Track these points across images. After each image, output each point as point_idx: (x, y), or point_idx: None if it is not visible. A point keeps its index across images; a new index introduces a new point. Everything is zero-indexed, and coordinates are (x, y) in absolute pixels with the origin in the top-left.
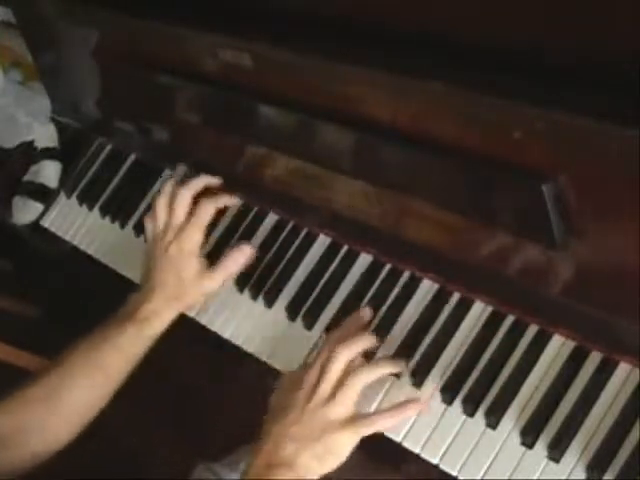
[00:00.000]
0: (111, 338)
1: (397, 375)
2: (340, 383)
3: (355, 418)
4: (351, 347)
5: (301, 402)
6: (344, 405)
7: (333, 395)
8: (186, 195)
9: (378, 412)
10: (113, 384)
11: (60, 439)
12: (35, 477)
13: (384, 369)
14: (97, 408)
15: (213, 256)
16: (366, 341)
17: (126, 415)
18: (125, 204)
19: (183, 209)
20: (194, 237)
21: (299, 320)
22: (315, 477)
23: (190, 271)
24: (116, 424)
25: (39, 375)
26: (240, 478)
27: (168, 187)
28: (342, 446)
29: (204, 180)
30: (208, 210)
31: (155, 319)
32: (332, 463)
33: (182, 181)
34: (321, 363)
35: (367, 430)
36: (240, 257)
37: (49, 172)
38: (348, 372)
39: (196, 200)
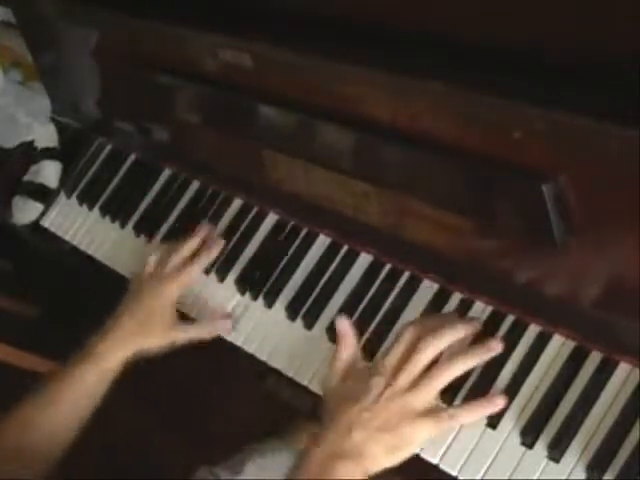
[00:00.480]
0: (71, 378)
1: None
2: (426, 372)
3: (437, 409)
4: (445, 336)
5: (377, 389)
6: (428, 395)
7: (416, 384)
8: (179, 256)
9: (462, 405)
10: (77, 420)
11: (41, 461)
12: None
13: (479, 360)
14: (64, 442)
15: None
16: (462, 330)
17: (127, 416)
18: (125, 204)
19: (172, 265)
20: (175, 288)
21: (299, 320)
22: (383, 468)
23: (158, 317)
24: (117, 425)
25: (15, 408)
26: (294, 468)
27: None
28: (418, 438)
29: (197, 243)
30: (194, 272)
31: (111, 355)
32: (402, 456)
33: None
34: (404, 350)
35: (449, 423)
36: (222, 325)
37: (49, 172)
38: (437, 365)
39: None
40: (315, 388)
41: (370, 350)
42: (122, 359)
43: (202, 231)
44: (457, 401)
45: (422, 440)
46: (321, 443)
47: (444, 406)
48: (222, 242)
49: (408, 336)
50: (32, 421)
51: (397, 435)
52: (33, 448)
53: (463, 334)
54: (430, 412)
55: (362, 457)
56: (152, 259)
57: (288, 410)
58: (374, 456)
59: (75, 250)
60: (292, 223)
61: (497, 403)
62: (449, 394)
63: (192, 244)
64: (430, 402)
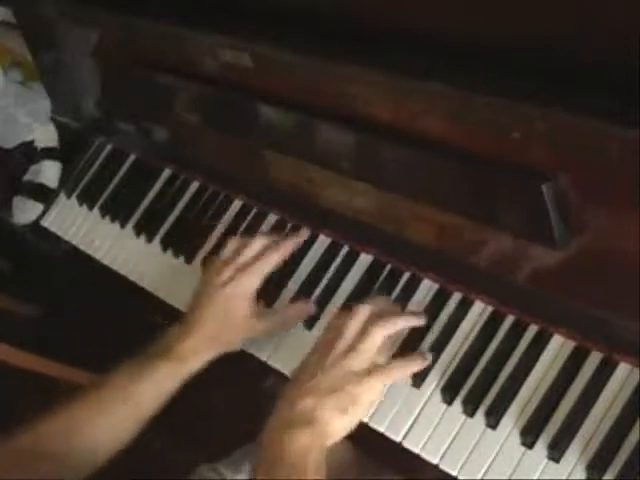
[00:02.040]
0: (147, 374)
1: None
2: (359, 336)
3: (376, 367)
4: (372, 307)
5: (317, 359)
6: (365, 354)
7: (352, 347)
8: (260, 242)
9: (396, 360)
10: (141, 419)
11: (99, 460)
12: None
13: (406, 322)
14: (122, 441)
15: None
16: (406, 320)
17: None
18: (125, 204)
19: (252, 252)
20: (252, 281)
21: None
22: (340, 434)
23: (238, 313)
24: None
25: (80, 397)
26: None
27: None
28: (364, 396)
29: (291, 243)
30: (273, 260)
31: (193, 359)
32: (355, 416)
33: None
34: (337, 324)
35: (388, 377)
36: (295, 313)
37: (49, 172)
38: (366, 327)
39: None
40: None
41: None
42: (206, 361)
43: (275, 234)
44: (457, 401)
45: (369, 399)
46: (275, 417)
47: (383, 364)
48: (305, 233)
49: (340, 314)
50: (96, 418)
51: (344, 396)
52: (82, 451)
53: (411, 325)
54: (370, 371)
55: (314, 423)
56: (227, 250)
57: None
58: (326, 420)
59: (75, 250)
60: (292, 223)
61: (425, 358)
62: (450, 393)
63: (264, 239)
64: (368, 361)
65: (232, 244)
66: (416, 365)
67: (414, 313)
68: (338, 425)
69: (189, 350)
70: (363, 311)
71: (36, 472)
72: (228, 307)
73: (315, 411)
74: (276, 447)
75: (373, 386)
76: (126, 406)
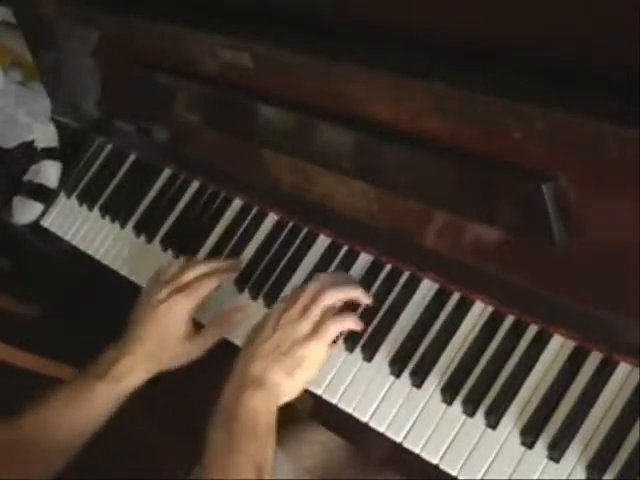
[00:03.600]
0: (81, 395)
1: (397, 375)
2: (309, 303)
3: (316, 328)
4: (323, 281)
5: (271, 323)
6: (310, 320)
7: (302, 313)
8: (198, 269)
9: (332, 319)
10: (78, 439)
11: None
12: None
13: (350, 292)
14: (59, 461)
15: (213, 257)
16: (354, 292)
17: (126, 416)
18: (125, 204)
19: (188, 276)
20: (188, 302)
21: None
22: (289, 394)
23: (173, 334)
24: (116, 424)
25: (14, 423)
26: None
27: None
28: (311, 356)
29: (223, 265)
30: (210, 285)
31: (128, 378)
32: (303, 376)
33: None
34: (294, 293)
35: (327, 335)
36: (229, 321)
37: (49, 172)
38: (316, 296)
39: None
40: (313, 388)
41: (370, 350)
42: (141, 381)
43: (231, 261)
44: (457, 400)
45: (316, 358)
46: (230, 380)
47: (328, 326)
48: (240, 263)
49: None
50: (46, 423)
51: (292, 357)
52: (43, 451)
53: (355, 297)
54: (315, 332)
55: (265, 384)
56: (170, 270)
57: (287, 410)
58: (276, 381)
59: (75, 250)
60: (292, 223)
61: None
62: (450, 393)
63: (214, 265)
64: (312, 325)
65: (174, 266)
66: (351, 322)
67: (358, 286)
68: (287, 386)
69: (124, 369)
70: (314, 284)
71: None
72: (162, 327)
73: (265, 374)
74: (231, 406)
75: (317, 347)
76: (61, 430)
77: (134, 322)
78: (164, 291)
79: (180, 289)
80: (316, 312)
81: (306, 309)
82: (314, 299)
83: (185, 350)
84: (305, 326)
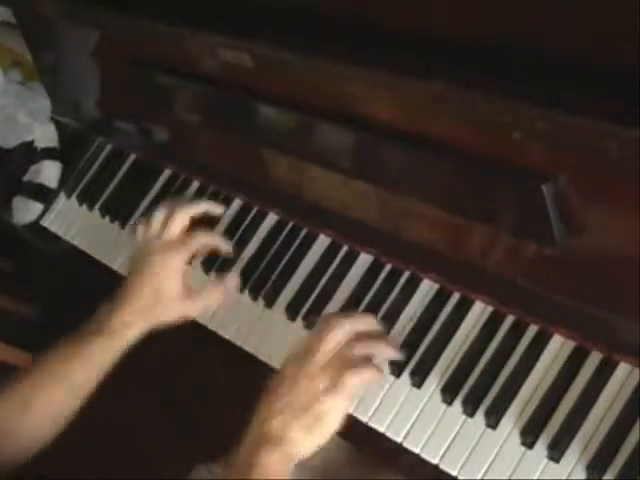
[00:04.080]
0: (79, 350)
1: (397, 375)
2: (335, 353)
3: (337, 384)
4: (351, 322)
5: (291, 376)
6: (329, 374)
7: (326, 365)
8: (184, 215)
9: (350, 371)
10: (80, 395)
11: (34, 443)
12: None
13: (381, 351)
14: (68, 415)
15: (212, 257)
16: (366, 321)
17: (126, 415)
18: (125, 204)
19: (178, 227)
20: (181, 256)
21: (299, 320)
22: (307, 451)
23: (170, 289)
24: (116, 424)
25: (9, 384)
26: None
27: (169, 204)
28: (331, 413)
29: (205, 206)
30: (201, 240)
31: (125, 331)
32: (322, 433)
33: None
34: (315, 336)
35: (350, 390)
36: (223, 289)
37: (49, 172)
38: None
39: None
40: None
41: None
42: (138, 334)
43: (206, 203)
44: (457, 400)
45: (334, 417)
46: (248, 434)
47: (349, 381)
48: (221, 208)
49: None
50: (33, 400)
51: (311, 415)
52: (29, 429)
53: (373, 322)
54: (334, 386)
55: (283, 441)
56: (155, 222)
57: None
58: (294, 438)
59: (75, 250)
60: (292, 223)
61: (380, 370)
62: (450, 393)
63: (195, 208)
64: (334, 377)
65: (158, 218)
66: (370, 374)
67: (393, 344)
68: (305, 444)
69: (119, 323)
70: (342, 327)
71: None
72: (156, 282)
73: (284, 431)
74: (246, 461)
75: (337, 402)
76: (61, 385)
77: (128, 279)
78: (154, 248)
79: (170, 244)
80: (337, 364)
81: (335, 383)
82: (344, 375)
83: (180, 307)
84: (325, 379)
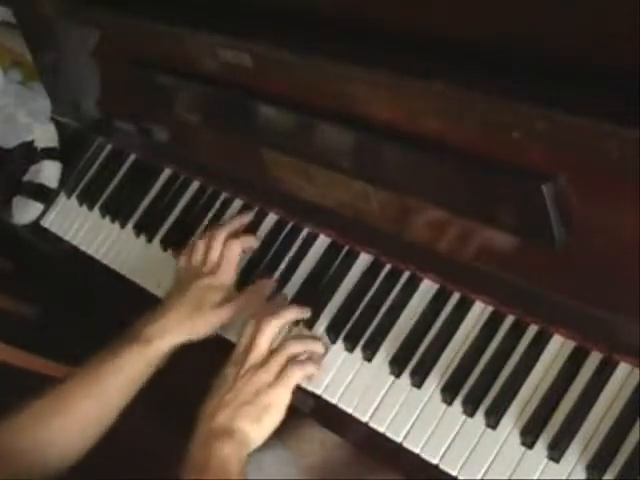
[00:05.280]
0: (112, 360)
1: (397, 375)
2: (269, 353)
3: (279, 375)
4: (278, 318)
5: (232, 374)
6: (271, 367)
7: (263, 363)
8: (222, 236)
9: (294, 363)
10: (112, 408)
11: (71, 454)
12: None
13: (309, 345)
14: (94, 433)
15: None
16: (292, 312)
17: (127, 416)
18: (125, 204)
19: (218, 249)
20: (228, 274)
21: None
22: (257, 441)
23: (213, 301)
24: (116, 425)
25: (47, 391)
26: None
27: (208, 231)
28: (275, 403)
29: (239, 222)
30: (237, 252)
31: (160, 340)
32: (269, 422)
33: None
34: (249, 337)
35: (290, 381)
36: (258, 291)
37: (49, 172)
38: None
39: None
40: (313, 388)
41: (370, 350)
42: (173, 345)
43: (243, 216)
44: (458, 400)
45: (281, 403)
46: (198, 430)
47: (289, 372)
48: (249, 216)
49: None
50: (66, 413)
51: (257, 405)
52: (62, 441)
53: (299, 311)
54: (278, 379)
55: (232, 433)
56: (199, 248)
57: (287, 410)
58: (243, 428)
59: (75, 250)
60: (292, 223)
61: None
62: (450, 393)
63: (231, 227)
64: (276, 373)
65: (201, 246)
66: (312, 368)
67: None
68: (255, 434)
69: (156, 332)
70: (272, 326)
71: (2, 470)
72: (203, 296)
73: (231, 422)
74: (201, 457)
75: (280, 394)
76: (93, 396)
77: (171, 293)
78: (199, 273)
79: (215, 266)
80: (277, 360)
81: (270, 357)
82: (279, 350)
83: (216, 317)
84: (267, 373)
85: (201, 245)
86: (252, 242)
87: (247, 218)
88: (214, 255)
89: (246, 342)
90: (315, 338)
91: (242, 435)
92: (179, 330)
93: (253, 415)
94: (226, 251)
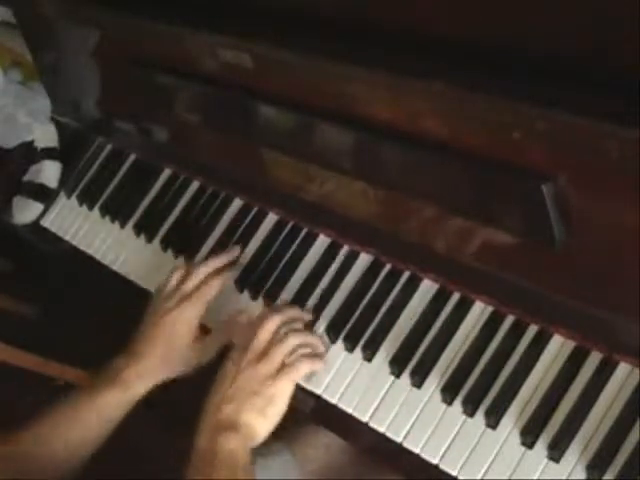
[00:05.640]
0: (92, 402)
1: (397, 375)
2: (270, 343)
3: (283, 367)
4: (281, 312)
5: (234, 367)
6: (273, 360)
7: (264, 353)
8: (203, 270)
9: (299, 360)
10: (89, 446)
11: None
12: None
13: (308, 339)
14: (83, 456)
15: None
16: (293, 311)
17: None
18: (125, 204)
19: (193, 282)
20: (195, 308)
21: None
22: (263, 432)
23: (183, 341)
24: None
25: (30, 424)
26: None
27: (186, 263)
28: (280, 394)
29: (223, 260)
30: (215, 287)
31: (139, 383)
32: (274, 414)
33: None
34: (253, 331)
35: (297, 374)
36: (233, 327)
37: (49, 172)
38: (277, 334)
39: None
40: (313, 388)
41: (370, 350)
42: (149, 387)
43: (230, 252)
44: (458, 400)
45: (283, 398)
46: (203, 424)
47: (290, 363)
48: (237, 251)
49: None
50: (48, 437)
51: (261, 397)
52: (42, 464)
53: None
54: (281, 371)
55: (238, 426)
56: (174, 277)
57: (290, 414)
58: (248, 423)
59: (75, 250)
60: (292, 223)
61: (323, 356)
62: (450, 393)
63: (215, 263)
64: (279, 364)
65: (177, 273)
66: (318, 363)
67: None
68: (259, 426)
69: (133, 376)
70: (274, 320)
71: None
72: (171, 334)
73: (237, 415)
74: (207, 450)
75: (284, 386)
76: (72, 435)
77: (143, 331)
78: (171, 300)
79: (186, 297)
80: (282, 352)
81: (271, 347)
82: (281, 338)
83: (193, 355)
84: (270, 365)
85: (178, 274)
86: (229, 278)
87: (235, 253)
88: (188, 286)
89: (248, 335)
90: (315, 336)
91: (247, 428)
92: (155, 373)
93: (257, 407)
94: (203, 285)
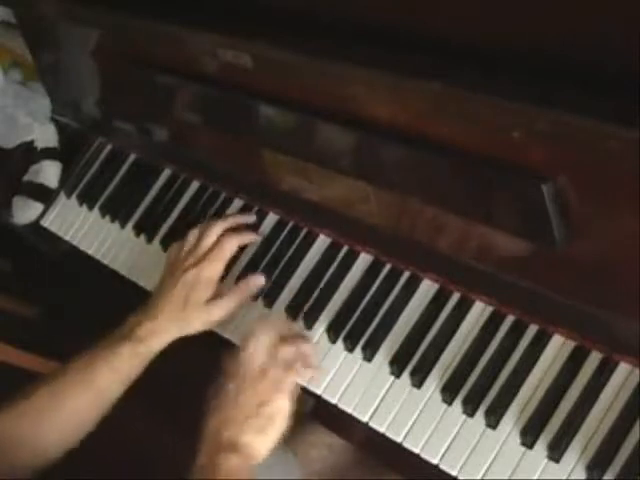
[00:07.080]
0: (106, 357)
1: (397, 375)
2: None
3: (280, 384)
4: (268, 330)
5: (233, 389)
6: (270, 378)
7: (262, 373)
8: (218, 228)
9: (291, 371)
10: (105, 403)
11: (49, 453)
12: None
13: (302, 347)
14: (88, 425)
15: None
16: (282, 324)
17: (127, 416)
18: (125, 204)
19: (211, 239)
20: (215, 266)
21: (300, 321)
22: (264, 452)
23: (199, 299)
24: (116, 423)
25: (32, 389)
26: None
27: (203, 223)
28: (278, 412)
29: (241, 218)
30: (232, 245)
31: (153, 339)
32: (274, 432)
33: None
34: (247, 352)
35: (288, 387)
36: (249, 287)
37: (49, 172)
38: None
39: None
40: (314, 388)
41: (370, 350)
42: (164, 343)
43: (244, 216)
44: (458, 400)
45: (283, 411)
46: (204, 445)
47: (287, 380)
48: (253, 217)
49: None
50: (57, 406)
51: (262, 417)
52: (52, 434)
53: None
54: (277, 389)
55: (239, 446)
56: (190, 236)
57: (294, 417)
58: (250, 441)
59: (75, 250)
60: (292, 223)
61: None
62: (450, 393)
63: (229, 221)
64: (276, 381)
65: (193, 234)
66: (310, 371)
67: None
68: (260, 445)
69: (148, 331)
70: (263, 340)
71: (5, 457)
72: (190, 292)
73: (238, 437)
74: (209, 472)
75: (282, 402)
76: (87, 391)
77: (160, 289)
78: (189, 260)
79: (204, 255)
80: (275, 370)
81: (263, 368)
82: (220, 241)
83: (207, 315)
84: (267, 385)
85: (195, 233)
86: (252, 238)
87: (251, 218)
88: (205, 244)
89: (242, 356)
90: (302, 336)
91: (249, 449)
92: (170, 329)
93: (258, 427)
94: (219, 243)
